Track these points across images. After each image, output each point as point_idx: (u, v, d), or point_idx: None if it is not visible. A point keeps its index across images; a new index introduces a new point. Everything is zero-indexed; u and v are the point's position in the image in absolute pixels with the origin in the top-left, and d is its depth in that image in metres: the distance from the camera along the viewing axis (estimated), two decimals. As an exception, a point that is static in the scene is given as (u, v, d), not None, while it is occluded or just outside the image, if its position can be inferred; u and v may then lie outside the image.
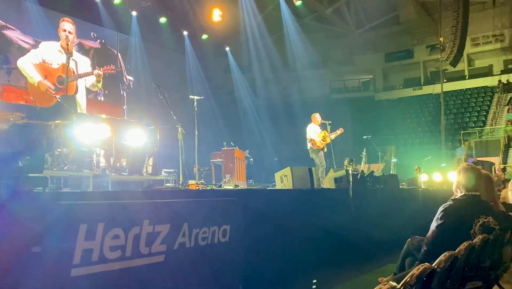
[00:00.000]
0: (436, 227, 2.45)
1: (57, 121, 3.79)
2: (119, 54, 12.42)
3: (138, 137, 4.73)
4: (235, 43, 17.93)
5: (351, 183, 5.02)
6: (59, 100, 4.06)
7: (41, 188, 2.33)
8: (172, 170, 5.95)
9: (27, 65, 4.15)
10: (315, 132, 7.48)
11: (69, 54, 4.20)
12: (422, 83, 22.77)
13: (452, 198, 2.59)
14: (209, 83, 17.78)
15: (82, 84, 4.44)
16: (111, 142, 4.38)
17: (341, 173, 5.59)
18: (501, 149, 16.35)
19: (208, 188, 4.80)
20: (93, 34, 11.29)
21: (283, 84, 22.53)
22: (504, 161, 15.80)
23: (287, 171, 5.07)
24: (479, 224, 2.38)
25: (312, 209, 4.36)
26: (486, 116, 19.05)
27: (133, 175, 4.60)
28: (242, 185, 7.81)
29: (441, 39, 17.22)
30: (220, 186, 5.90)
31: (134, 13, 13.20)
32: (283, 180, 5.15)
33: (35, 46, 7.74)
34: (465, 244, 1.89)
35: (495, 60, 21.70)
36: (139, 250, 2.30)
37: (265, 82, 20.94)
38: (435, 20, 20.68)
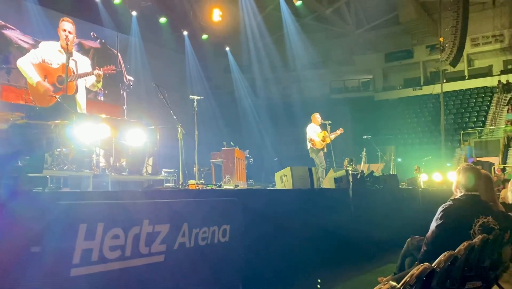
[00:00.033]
0: (436, 227, 2.45)
1: (56, 121, 3.78)
2: (119, 54, 12.42)
3: (138, 137, 4.73)
4: (235, 43, 17.93)
5: (351, 183, 5.03)
6: (59, 100, 4.06)
7: (41, 188, 2.33)
8: (172, 170, 5.95)
9: (26, 65, 4.15)
10: (315, 132, 7.48)
11: (69, 54, 4.19)
12: (422, 84, 22.78)
13: (452, 198, 2.60)
14: (209, 83, 17.78)
15: (82, 84, 4.44)
16: (111, 142, 4.38)
17: (341, 173, 5.59)
18: (500, 149, 16.37)
19: (208, 188, 4.80)
20: (93, 34, 11.27)
21: (283, 84, 22.54)
22: (504, 161, 15.81)
23: (287, 171, 5.07)
24: (478, 224, 2.38)
25: (312, 209, 4.36)
26: (485, 117, 19.06)
27: (133, 174, 4.60)
28: (242, 185, 7.81)
29: (441, 39, 17.23)
30: (220, 186, 5.90)
31: (134, 13, 13.20)
32: (283, 180, 5.16)
33: (34, 46, 7.74)
34: (465, 244, 1.89)
35: (494, 60, 21.71)
36: (139, 250, 2.30)
37: (265, 82, 20.94)
38: (435, 20, 20.68)
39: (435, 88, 19.49)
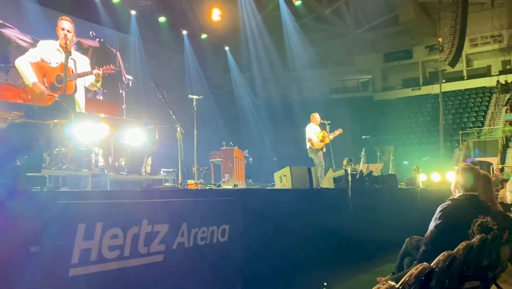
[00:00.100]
0: (435, 226, 2.46)
1: (55, 120, 3.77)
2: (118, 53, 12.38)
3: (137, 136, 4.72)
4: (234, 43, 17.93)
5: (350, 183, 5.03)
6: (57, 99, 4.05)
7: (39, 187, 2.33)
8: (171, 170, 5.95)
9: (24, 65, 4.13)
10: (314, 132, 7.48)
11: (67, 53, 4.18)
12: (421, 84, 22.82)
13: (451, 198, 2.60)
14: (208, 83, 17.76)
15: (81, 83, 4.43)
16: (110, 141, 4.37)
17: (340, 172, 5.60)
18: (499, 149, 16.41)
19: (207, 187, 4.81)
20: (92, 33, 11.22)
21: (282, 84, 22.54)
22: (502, 161, 15.85)
23: (286, 170, 5.07)
24: (477, 224, 2.39)
25: (311, 209, 4.37)
26: (484, 117, 19.11)
27: (132, 174, 4.59)
28: (241, 185, 7.81)
29: (440, 39, 17.26)
30: (219, 185, 5.90)
31: (133, 12, 13.17)
32: (282, 179, 5.16)
33: (33, 45, 7.72)
34: (463, 243, 1.90)
35: (493, 60, 21.77)
36: (138, 250, 2.30)
37: (264, 82, 20.95)
38: (434, 20, 20.70)
39: (434, 89, 19.51)
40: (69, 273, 1.98)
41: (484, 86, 20.76)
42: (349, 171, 5.14)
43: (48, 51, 4.24)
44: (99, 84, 4.50)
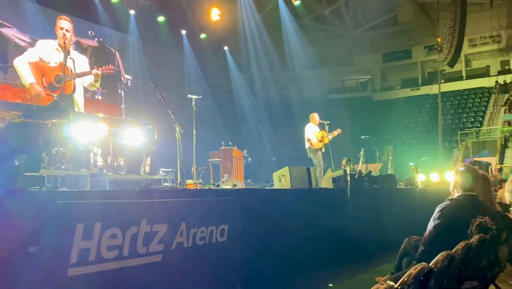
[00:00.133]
0: (434, 226, 2.46)
1: (54, 120, 3.76)
2: (117, 53, 12.38)
3: (136, 136, 4.71)
4: (233, 42, 17.92)
5: (349, 183, 5.03)
6: (56, 99, 4.04)
7: (38, 187, 2.32)
8: (170, 169, 5.94)
9: (22, 65, 4.12)
10: (313, 132, 7.49)
11: (66, 52, 4.17)
12: (419, 84, 22.85)
13: (449, 198, 2.60)
14: (207, 83, 17.75)
15: (80, 83, 4.42)
16: (109, 141, 4.36)
17: (339, 172, 5.60)
18: (497, 149, 16.44)
19: (206, 187, 4.80)
20: (91, 33, 11.20)
21: (281, 84, 22.54)
22: (501, 161, 15.88)
23: (285, 170, 5.08)
24: (476, 224, 2.39)
25: (310, 209, 4.37)
26: (483, 117, 19.14)
27: (131, 174, 4.58)
28: (240, 185, 7.81)
29: (439, 40, 17.27)
30: (218, 185, 5.89)
31: (132, 11, 13.15)
32: (281, 179, 5.16)
33: (32, 44, 7.70)
34: (462, 243, 1.90)
35: (492, 61, 21.81)
36: (137, 250, 2.30)
37: (263, 82, 20.94)
38: (433, 21, 20.72)
39: (433, 89, 19.54)
40: (68, 273, 1.97)
41: (483, 87, 20.80)
42: (348, 171, 5.14)
43: (47, 50, 4.23)
44: (98, 84, 4.50)
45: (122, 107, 6.19)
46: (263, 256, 3.52)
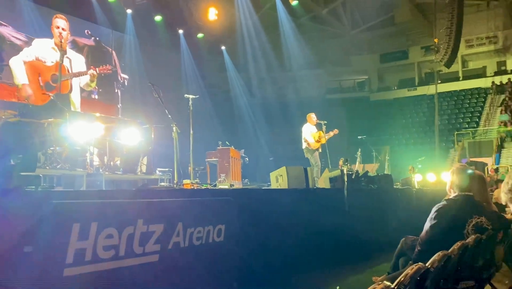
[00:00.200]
0: (430, 226, 2.47)
1: (50, 120, 3.74)
2: (113, 52, 12.32)
3: (133, 136, 4.69)
4: (230, 42, 17.91)
5: (345, 183, 5.05)
6: (52, 98, 4.01)
7: (34, 187, 2.31)
8: (167, 169, 5.93)
9: (17, 65, 4.08)
10: (310, 132, 7.49)
11: (62, 51, 4.14)
12: (416, 84, 22.95)
13: (446, 198, 2.61)
14: (204, 82, 17.72)
15: (76, 83, 4.39)
16: (105, 141, 4.34)
17: (336, 172, 5.62)
18: (494, 149, 16.54)
19: (203, 187, 4.79)
20: (87, 32, 11.16)
21: (278, 84, 22.55)
22: (497, 162, 15.98)
23: (282, 170, 5.08)
24: (472, 224, 2.40)
25: (307, 209, 4.37)
26: (479, 117, 19.26)
27: (127, 174, 4.56)
28: (237, 185, 7.81)
29: (436, 40, 17.35)
30: (215, 185, 5.89)
31: (129, 11, 13.11)
32: (278, 179, 5.16)
33: (28, 43, 7.66)
34: (458, 244, 1.90)
35: (488, 62, 21.95)
36: (133, 250, 2.29)
37: (260, 81, 20.95)
38: (430, 21, 20.82)
39: (430, 89, 19.63)
40: (64, 273, 1.96)
41: (479, 87, 20.93)
42: (345, 171, 5.15)
43: (43, 49, 4.20)
44: (94, 84, 4.47)
45: (118, 106, 6.17)
46: (260, 256, 3.52)
